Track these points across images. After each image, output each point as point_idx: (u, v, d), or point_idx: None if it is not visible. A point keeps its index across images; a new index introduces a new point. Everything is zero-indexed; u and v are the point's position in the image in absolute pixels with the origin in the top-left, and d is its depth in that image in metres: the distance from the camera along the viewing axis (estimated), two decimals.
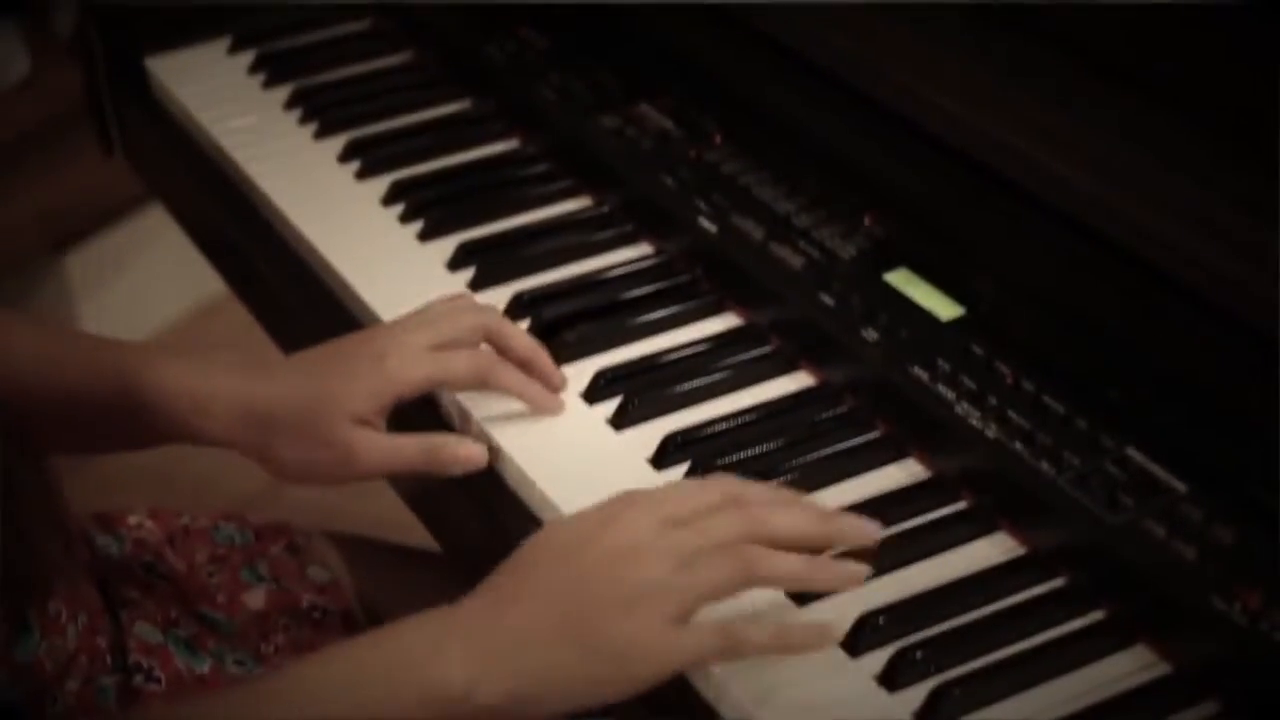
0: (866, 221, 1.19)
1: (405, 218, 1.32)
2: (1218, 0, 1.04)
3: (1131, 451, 0.99)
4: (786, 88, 1.25)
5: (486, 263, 1.26)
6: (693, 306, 1.21)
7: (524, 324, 1.18)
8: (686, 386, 1.13)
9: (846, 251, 1.17)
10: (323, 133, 1.44)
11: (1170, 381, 1.01)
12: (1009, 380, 1.04)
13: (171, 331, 2.58)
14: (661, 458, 1.07)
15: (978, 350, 1.07)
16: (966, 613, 0.95)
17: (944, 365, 1.06)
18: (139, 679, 1.08)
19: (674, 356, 1.16)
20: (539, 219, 1.32)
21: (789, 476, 1.04)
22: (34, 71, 2.34)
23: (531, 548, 0.93)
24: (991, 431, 1.02)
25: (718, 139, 1.30)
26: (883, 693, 0.91)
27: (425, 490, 1.16)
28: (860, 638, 0.94)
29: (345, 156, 1.41)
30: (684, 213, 1.24)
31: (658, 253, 1.27)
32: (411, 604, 0.96)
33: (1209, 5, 1.05)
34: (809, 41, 1.22)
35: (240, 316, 1.48)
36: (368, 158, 1.40)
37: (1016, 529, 1.01)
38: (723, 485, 0.95)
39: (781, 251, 1.18)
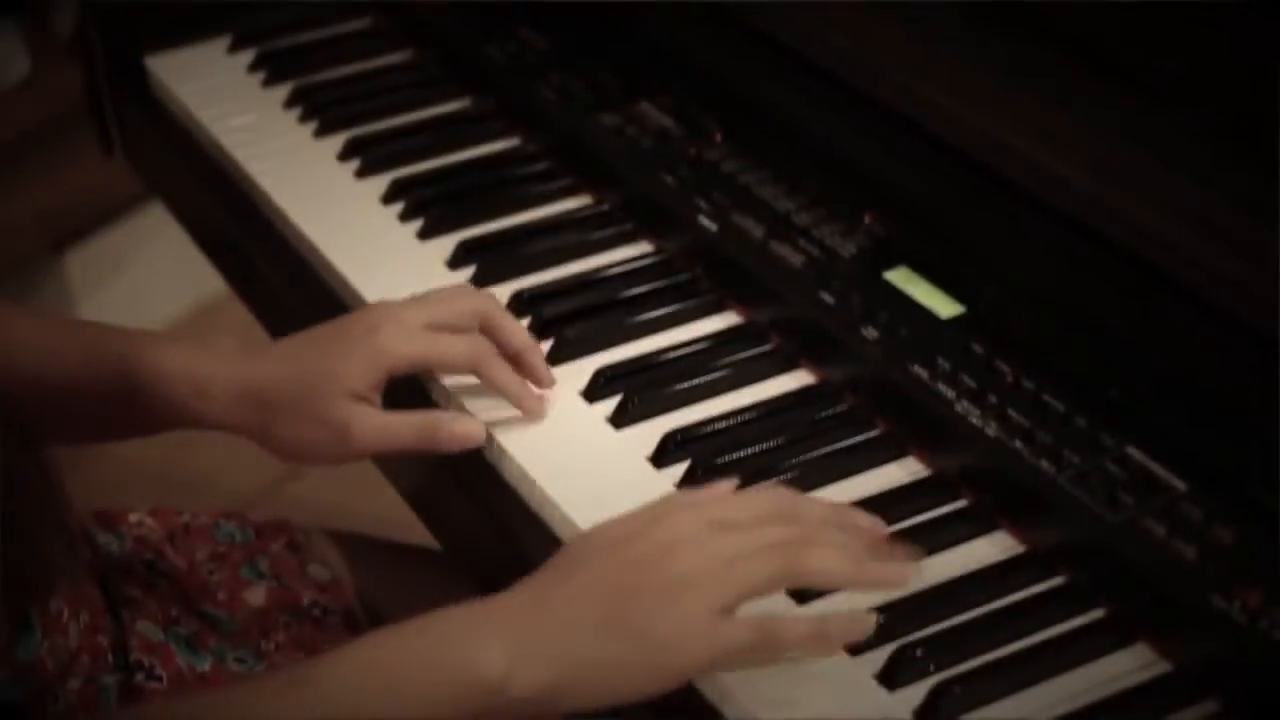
0: (866, 220, 1.19)
1: (405, 216, 1.33)
2: None
3: (1131, 450, 0.99)
4: (787, 87, 1.25)
5: (486, 261, 1.26)
6: (693, 305, 1.21)
7: (524, 322, 1.18)
8: (686, 385, 1.13)
9: (846, 250, 1.17)
10: (323, 131, 1.44)
11: (1170, 381, 1.01)
12: (1009, 379, 1.05)
13: (172, 330, 2.58)
14: (661, 456, 1.07)
15: (978, 349, 1.07)
16: (966, 611, 0.95)
17: (944, 364, 1.06)
18: (140, 677, 1.08)
19: (674, 355, 1.16)
20: (539, 217, 1.32)
21: (789, 475, 1.04)
22: (34, 71, 2.34)
23: (574, 546, 0.93)
24: (991, 430, 1.02)
25: (718, 137, 1.30)
26: (883, 691, 0.91)
27: (425, 488, 1.16)
28: None
29: (345, 155, 1.41)
30: (684, 211, 1.24)
31: (658, 251, 1.27)
32: (411, 602, 0.96)
33: (1209, 4, 1.05)
34: (809, 41, 1.22)
35: (240, 315, 1.48)
36: (368, 156, 1.40)
37: (1016, 527, 1.01)
38: (775, 497, 0.95)
39: (781, 250, 1.18)
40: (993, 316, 1.10)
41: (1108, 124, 1.08)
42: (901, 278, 1.14)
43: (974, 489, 1.03)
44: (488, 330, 1.10)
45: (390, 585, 1.26)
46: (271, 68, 1.53)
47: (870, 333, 1.10)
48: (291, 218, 1.33)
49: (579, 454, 1.08)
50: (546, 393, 1.11)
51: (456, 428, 1.07)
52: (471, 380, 1.12)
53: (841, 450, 1.07)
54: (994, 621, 0.95)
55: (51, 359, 1.11)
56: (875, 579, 0.93)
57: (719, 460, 1.06)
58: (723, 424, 1.10)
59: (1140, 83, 1.09)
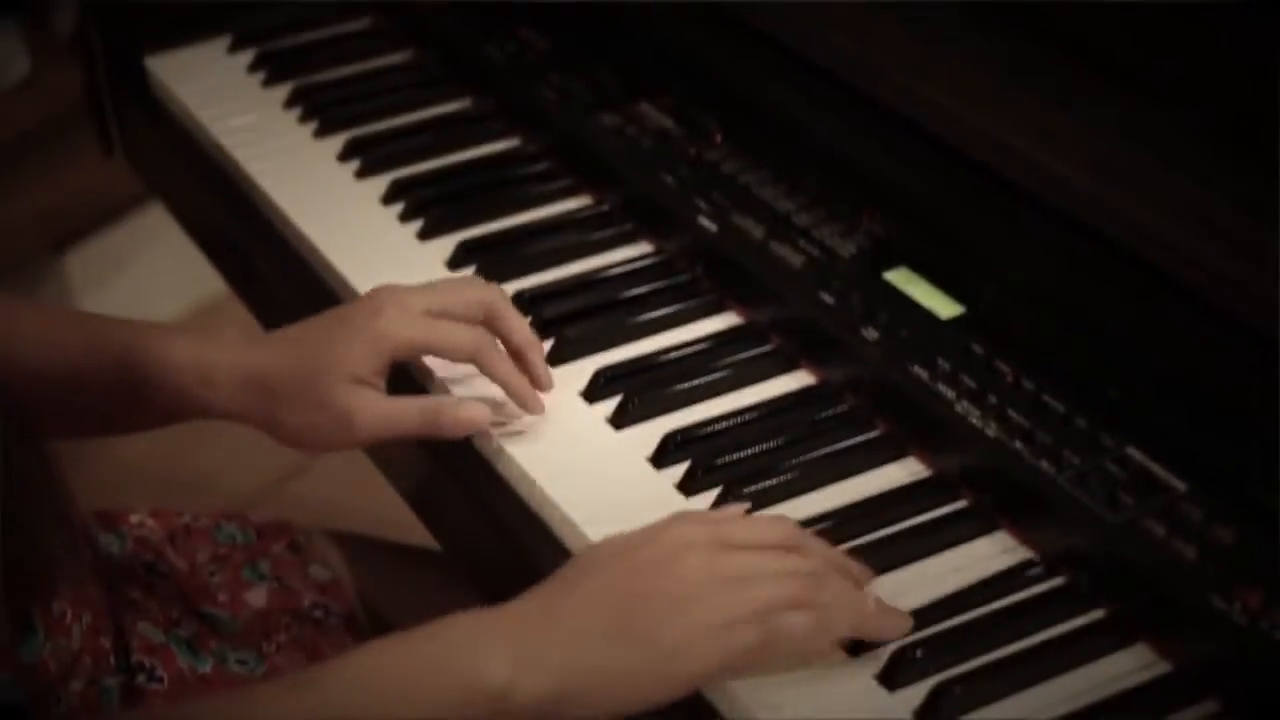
0: (866, 220, 1.19)
1: (405, 216, 1.33)
2: None
3: (1131, 451, 0.99)
4: (786, 87, 1.25)
5: (486, 261, 1.26)
6: (693, 305, 1.21)
7: None
8: (686, 385, 1.13)
9: (846, 250, 1.17)
10: (323, 131, 1.44)
11: (1170, 381, 1.01)
12: (1009, 379, 1.05)
13: None
14: (661, 456, 1.07)
15: (978, 349, 1.07)
16: (966, 611, 0.95)
17: (944, 364, 1.06)
18: (141, 679, 1.08)
19: (674, 355, 1.16)
20: (539, 218, 1.32)
21: (789, 475, 1.04)
22: (34, 71, 2.34)
23: (582, 556, 0.93)
24: (991, 430, 1.02)
25: (718, 138, 1.30)
26: (883, 691, 0.91)
27: (425, 488, 1.17)
28: None
29: (345, 155, 1.41)
30: (684, 211, 1.24)
31: (658, 251, 1.27)
32: (412, 603, 0.96)
33: (1209, 4, 1.05)
34: (809, 41, 1.22)
35: (240, 316, 1.49)
36: (368, 156, 1.40)
37: (1016, 528, 1.01)
38: (784, 528, 0.95)
39: (781, 250, 1.18)
40: (993, 317, 1.10)
41: (1108, 124, 1.08)
42: (901, 278, 1.14)
43: (974, 489, 1.03)
44: (492, 323, 1.10)
45: (391, 586, 1.26)
46: (271, 68, 1.53)
47: (870, 333, 1.10)
48: (291, 218, 1.33)
49: (579, 454, 1.08)
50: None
51: (460, 412, 1.07)
52: (471, 380, 1.12)
53: (842, 451, 1.07)
54: (994, 622, 0.95)
55: (55, 351, 1.11)
56: (881, 626, 0.93)
57: (719, 461, 1.06)
58: (723, 424, 1.10)
59: (1140, 82, 1.09)
